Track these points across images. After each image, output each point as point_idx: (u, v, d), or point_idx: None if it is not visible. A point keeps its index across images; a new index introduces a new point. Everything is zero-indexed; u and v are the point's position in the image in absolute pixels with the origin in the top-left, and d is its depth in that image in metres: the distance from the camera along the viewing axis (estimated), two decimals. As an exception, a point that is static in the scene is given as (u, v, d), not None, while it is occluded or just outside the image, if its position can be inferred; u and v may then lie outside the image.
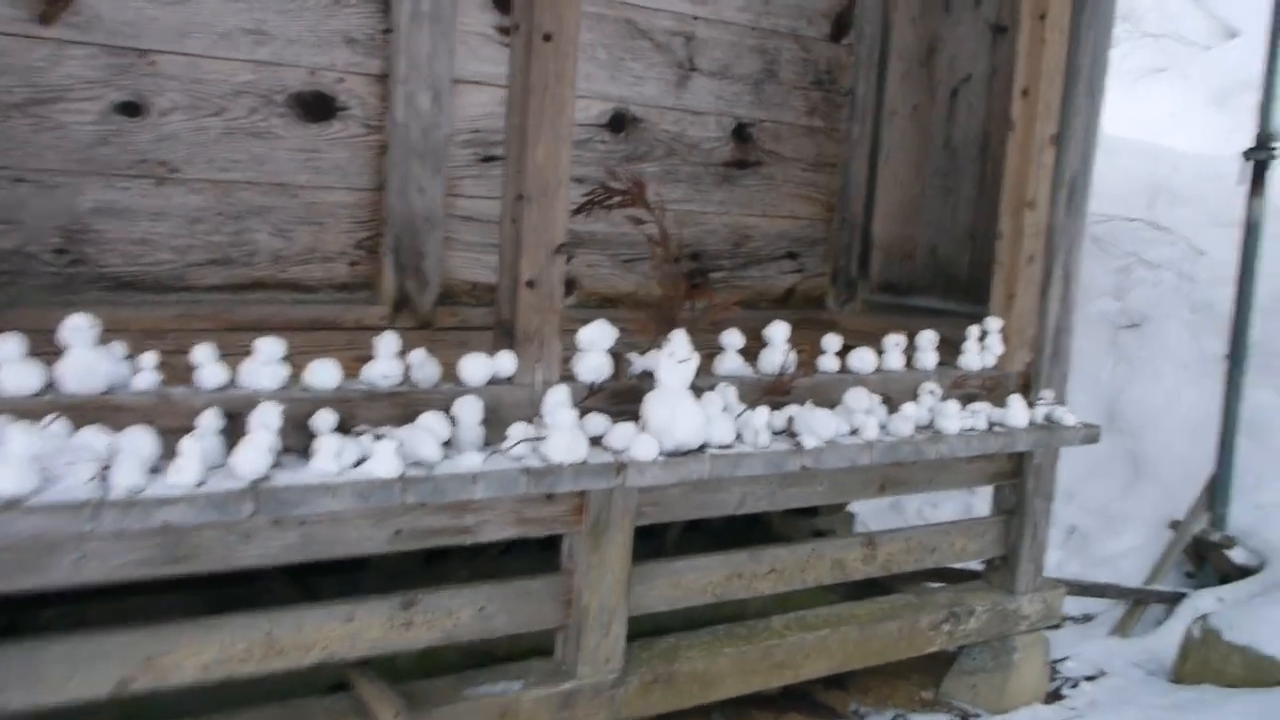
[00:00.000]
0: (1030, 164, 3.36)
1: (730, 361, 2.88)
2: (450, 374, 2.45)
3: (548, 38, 2.43)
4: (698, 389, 2.58)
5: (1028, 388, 3.45)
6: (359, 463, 2.15)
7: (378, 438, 2.16)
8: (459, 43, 3.31)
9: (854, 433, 2.87)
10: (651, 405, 2.51)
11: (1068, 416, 3.31)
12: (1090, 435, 3.36)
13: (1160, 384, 5.30)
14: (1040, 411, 3.28)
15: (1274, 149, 4.12)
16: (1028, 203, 3.37)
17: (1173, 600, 4.10)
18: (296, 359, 2.29)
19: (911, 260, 4.12)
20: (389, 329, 2.47)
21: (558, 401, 2.44)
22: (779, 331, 2.96)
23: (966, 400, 3.25)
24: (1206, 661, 3.57)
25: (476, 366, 2.43)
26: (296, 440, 2.20)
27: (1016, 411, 3.19)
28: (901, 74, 4.15)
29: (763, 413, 2.67)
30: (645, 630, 2.78)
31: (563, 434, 2.34)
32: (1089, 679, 3.70)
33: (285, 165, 3.17)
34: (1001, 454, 3.33)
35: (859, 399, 2.92)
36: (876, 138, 4.23)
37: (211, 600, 2.58)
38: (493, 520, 2.43)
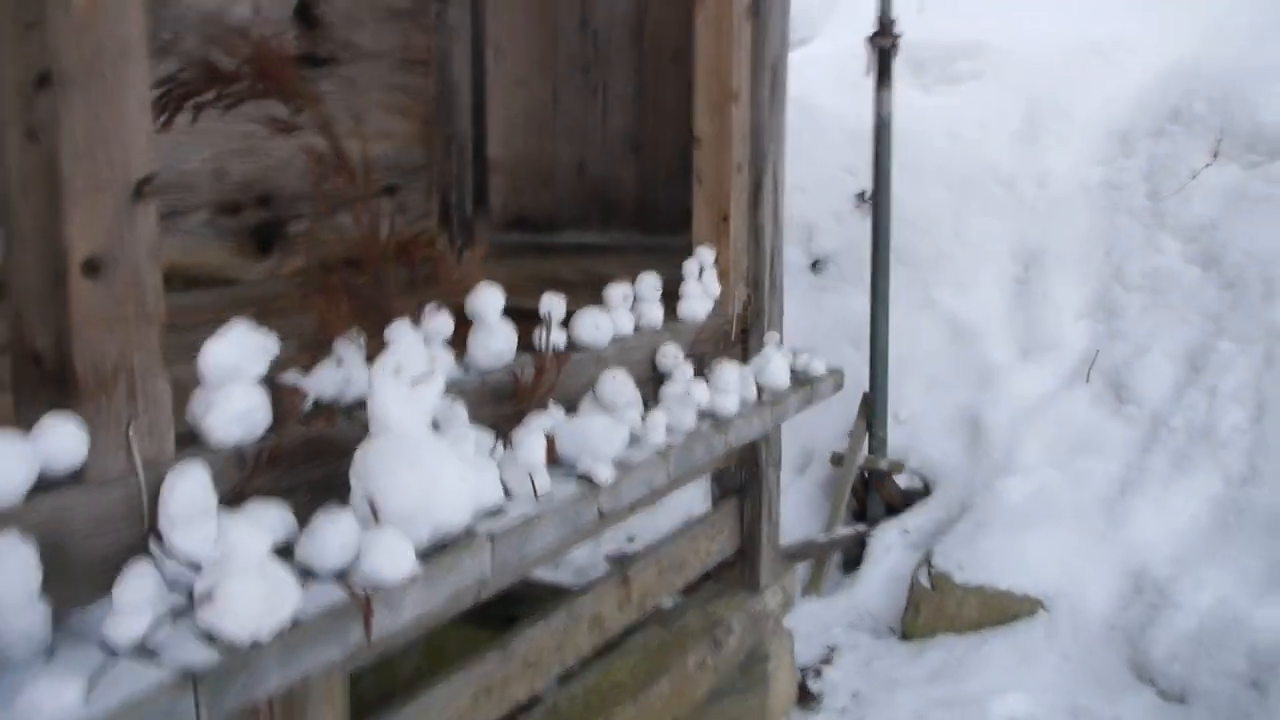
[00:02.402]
0: (729, 44, 2.57)
1: (439, 359, 1.75)
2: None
3: None
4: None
5: (747, 331, 2.72)
6: None
7: None
8: None
9: (635, 441, 1.91)
10: (380, 469, 1.34)
11: (815, 364, 2.63)
12: (838, 383, 2.73)
13: (755, 303, 4.94)
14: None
15: (898, 35, 3.75)
16: (732, 95, 2.58)
17: (858, 543, 3.71)
18: None
19: (550, 185, 3.17)
20: None
21: (197, 502, 1.19)
22: (490, 300, 1.89)
23: (699, 360, 2.43)
24: (941, 610, 3.17)
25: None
26: None
27: (778, 368, 2.43)
28: (506, -63, 3.14)
29: (536, 441, 1.62)
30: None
31: (243, 581, 1.11)
32: (825, 663, 3.16)
33: None
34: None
35: (620, 388, 1.97)
36: (479, 22, 3.18)
37: None
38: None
